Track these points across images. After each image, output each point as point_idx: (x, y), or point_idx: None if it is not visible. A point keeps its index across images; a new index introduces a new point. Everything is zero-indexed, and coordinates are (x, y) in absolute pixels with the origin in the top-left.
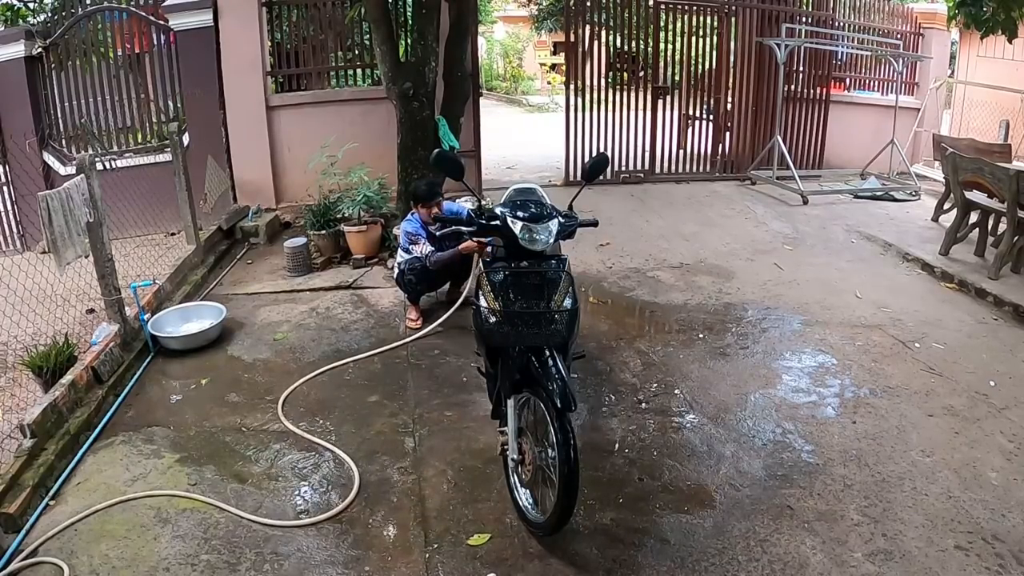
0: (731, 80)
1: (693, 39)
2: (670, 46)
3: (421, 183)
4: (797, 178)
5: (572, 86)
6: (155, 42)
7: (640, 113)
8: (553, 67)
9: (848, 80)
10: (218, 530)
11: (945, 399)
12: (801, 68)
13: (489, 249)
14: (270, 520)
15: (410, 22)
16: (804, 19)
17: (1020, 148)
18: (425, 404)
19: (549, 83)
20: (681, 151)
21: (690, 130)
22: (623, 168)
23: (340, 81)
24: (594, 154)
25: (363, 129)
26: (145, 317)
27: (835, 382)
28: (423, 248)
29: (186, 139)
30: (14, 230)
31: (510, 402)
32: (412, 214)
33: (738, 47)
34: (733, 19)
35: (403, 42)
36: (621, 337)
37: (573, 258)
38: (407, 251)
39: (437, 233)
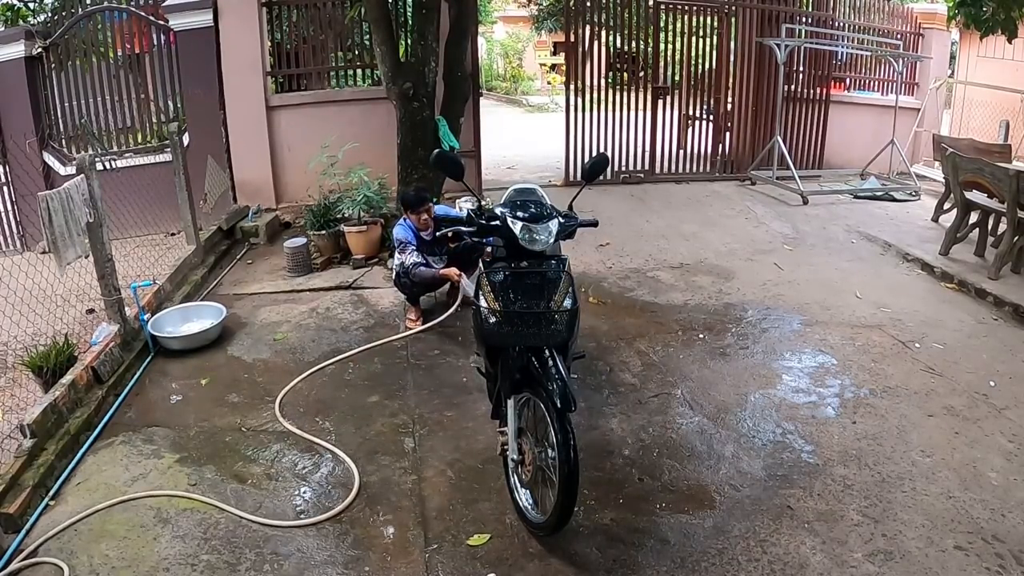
0: (731, 80)
1: (693, 39)
2: (670, 46)
3: (409, 190)
4: (797, 178)
5: (572, 86)
6: (155, 42)
7: (640, 113)
8: (553, 67)
9: (848, 80)
10: (218, 530)
11: (945, 399)
12: (801, 68)
13: (489, 249)
14: (270, 520)
15: (410, 22)
16: (804, 19)
17: (1020, 148)
18: (425, 404)
19: (549, 83)
20: (681, 151)
21: (690, 130)
22: (623, 168)
23: (340, 81)
24: (594, 154)
25: (363, 129)
26: (145, 317)
27: (835, 382)
28: (408, 257)
29: (186, 139)
30: (14, 230)
31: (510, 402)
32: (404, 219)
33: (738, 47)
34: (733, 19)
35: (403, 42)
36: (621, 337)
37: (573, 258)
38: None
39: (437, 233)
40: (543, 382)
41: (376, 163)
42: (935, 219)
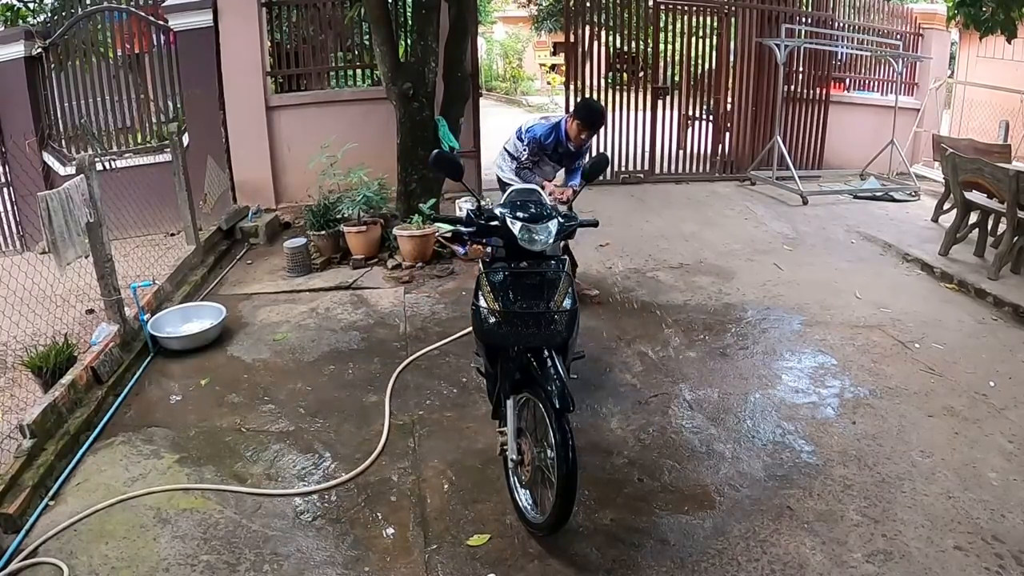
0: (731, 80)
1: (693, 39)
2: (670, 46)
3: (595, 106)
4: (797, 178)
5: (572, 86)
6: (155, 42)
7: (640, 113)
8: (553, 67)
9: (848, 80)
10: (218, 530)
11: (945, 399)
12: (801, 68)
13: (489, 249)
14: (270, 491)
15: (410, 22)
16: (804, 19)
17: (1020, 148)
18: (425, 404)
19: (549, 83)
20: (681, 151)
21: (690, 130)
22: (623, 168)
23: (340, 81)
24: (594, 154)
25: (363, 129)
26: (145, 317)
27: (835, 382)
28: (528, 159)
29: (186, 139)
30: (14, 230)
31: (509, 402)
32: (563, 121)
33: (738, 47)
34: (733, 19)
35: (403, 42)
36: (621, 337)
37: None
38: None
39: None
40: (542, 383)
41: (376, 163)
42: (935, 219)
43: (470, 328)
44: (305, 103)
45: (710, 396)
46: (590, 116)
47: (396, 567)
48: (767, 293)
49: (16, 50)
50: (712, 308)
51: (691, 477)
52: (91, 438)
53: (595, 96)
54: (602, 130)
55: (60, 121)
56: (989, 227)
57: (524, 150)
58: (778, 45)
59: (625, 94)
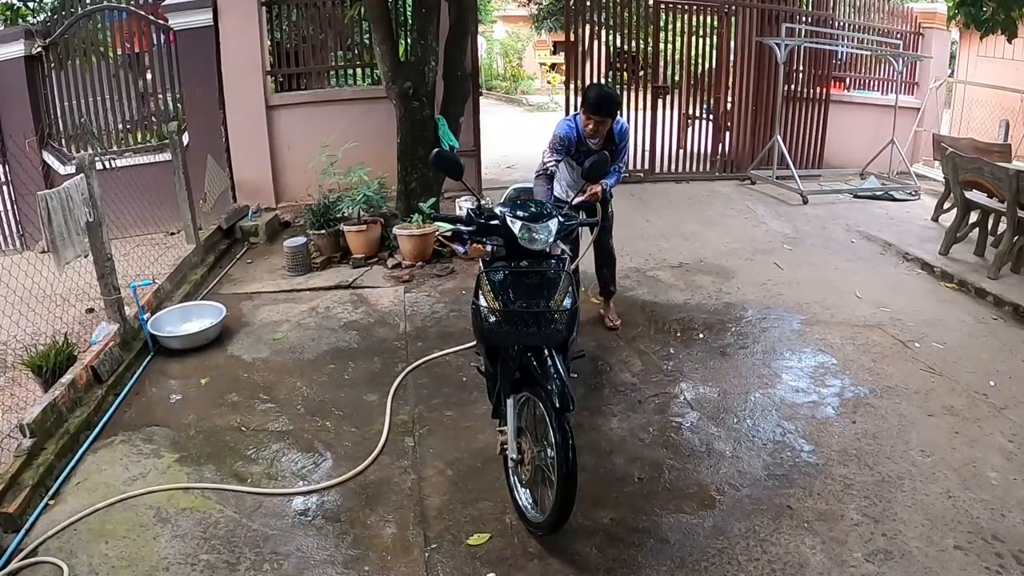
0: (731, 80)
1: (693, 39)
2: (670, 46)
3: (590, 91)
4: (797, 178)
5: (572, 86)
6: (155, 42)
7: (640, 113)
8: (553, 67)
9: (848, 80)
10: (218, 530)
11: (945, 399)
12: (801, 68)
13: (489, 248)
14: (270, 490)
15: (410, 22)
16: (804, 19)
17: (1020, 148)
18: (425, 404)
19: (549, 83)
20: (681, 151)
21: (690, 130)
22: None
23: (340, 80)
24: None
25: (363, 129)
26: (145, 317)
27: (835, 382)
28: (552, 159)
29: (186, 139)
30: (14, 230)
31: (509, 402)
32: (574, 116)
33: (738, 47)
34: (733, 19)
35: (403, 42)
36: (621, 337)
37: None
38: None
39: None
40: (542, 382)
41: (376, 162)
42: (935, 219)
43: (473, 343)
44: (305, 102)
45: (710, 395)
46: (595, 100)
47: (396, 566)
48: (767, 292)
49: (16, 49)
50: (712, 307)
51: (691, 476)
52: (91, 437)
53: None
54: None
55: (60, 120)
56: (989, 226)
57: (550, 154)
58: (778, 44)
59: (625, 93)
